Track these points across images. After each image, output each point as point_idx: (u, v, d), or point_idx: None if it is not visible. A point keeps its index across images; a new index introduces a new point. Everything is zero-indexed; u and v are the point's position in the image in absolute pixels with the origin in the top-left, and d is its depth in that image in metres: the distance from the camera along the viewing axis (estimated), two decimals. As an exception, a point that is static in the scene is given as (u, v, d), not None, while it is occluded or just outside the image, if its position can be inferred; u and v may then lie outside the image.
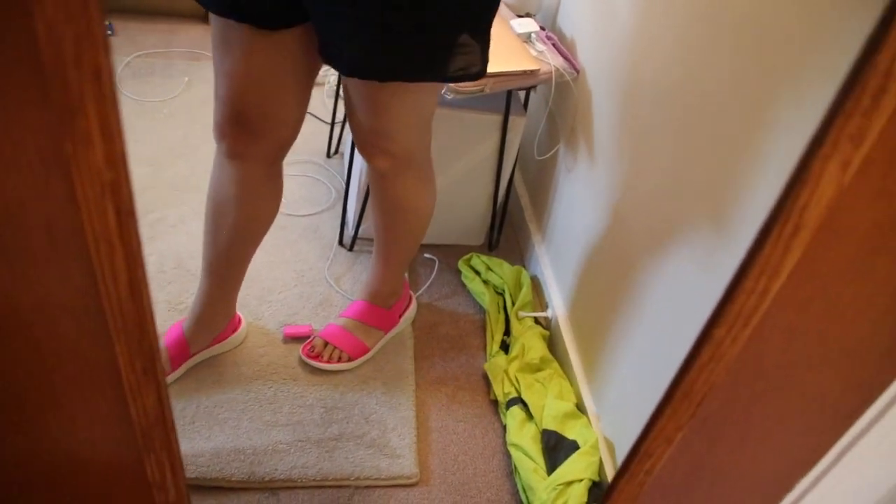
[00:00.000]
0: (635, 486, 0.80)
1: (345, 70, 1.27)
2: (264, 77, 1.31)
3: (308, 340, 1.81)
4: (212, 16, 1.28)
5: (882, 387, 0.77)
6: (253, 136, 1.40)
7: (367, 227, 2.08)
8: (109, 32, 2.81)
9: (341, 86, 1.45)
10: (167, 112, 2.51)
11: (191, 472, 1.52)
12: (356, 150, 1.98)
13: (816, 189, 0.52)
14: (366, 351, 1.81)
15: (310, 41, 1.30)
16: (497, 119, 1.90)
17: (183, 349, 1.69)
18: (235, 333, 1.79)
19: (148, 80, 2.63)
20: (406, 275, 1.86)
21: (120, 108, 0.47)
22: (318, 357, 1.77)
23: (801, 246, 0.56)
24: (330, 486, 1.57)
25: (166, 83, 2.64)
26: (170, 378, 1.68)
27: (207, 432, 1.60)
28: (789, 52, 1.04)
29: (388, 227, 1.68)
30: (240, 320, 1.81)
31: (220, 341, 1.76)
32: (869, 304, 0.65)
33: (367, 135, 1.42)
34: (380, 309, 1.83)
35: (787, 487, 0.91)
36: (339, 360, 1.78)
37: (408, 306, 1.92)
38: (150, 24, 2.94)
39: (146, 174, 2.24)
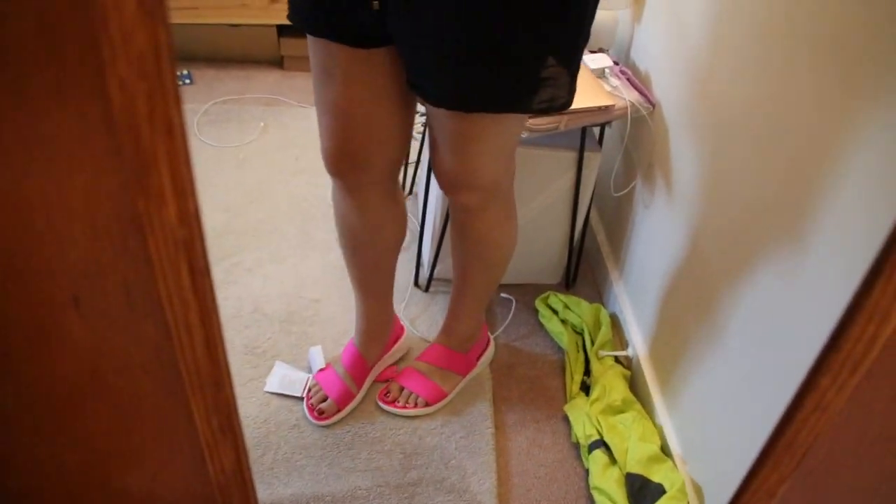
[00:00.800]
0: (733, 544, 0.76)
1: (431, 100, 1.27)
2: (366, 101, 1.32)
3: (385, 385, 1.80)
4: (310, 44, 1.31)
5: None
6: (363, 166, 1.42)
7: (443, 268, 2.07)
8: (188, 81, 2.90)
9: (426, 123, 1.44)
10: (243, 157, 2.55)
11: (271, 519, 1.52)
12: (432, 188, 1.98)
13: (930, 228, 0.48)
14: (443, 396, 1.79)
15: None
16: (572, 156, 1.87)
17: (362, 366, 1.77)
18: (401, 341, 1.87)
19: (225, 127, 2.69)
20: (484, 317, 1.84)
21: (192, 165, 0.46)
22: (394, 403, 1.76)
23: (915, 288, 0.52)
24: (410, 533, 1.55)
25: (242, 128, 2.70)
26: (359, 397, 1.77)
27: (286, 478, 1.60)
28: (866, 69, 1.00)
29: (470, 263, 1.66)
30: (402, 328, 1.89)
31: (389, 349, 1.84)
32: None
33: (452, 169, 1.40)
34: (457, 353, 1.81)
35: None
36: (416, 405, 1.77)
37: (485, 349, 1.90)
38: (226, 71, 3.02)
39: (223, 220, 2.28)
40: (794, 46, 1.21)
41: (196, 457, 0.65)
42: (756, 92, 1.33)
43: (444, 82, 1.23)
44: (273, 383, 1.80)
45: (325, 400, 1.73)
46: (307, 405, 1.75)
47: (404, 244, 2.22)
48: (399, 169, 1.50)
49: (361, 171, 1.43)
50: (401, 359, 1.89)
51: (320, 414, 1.72)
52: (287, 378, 1.82)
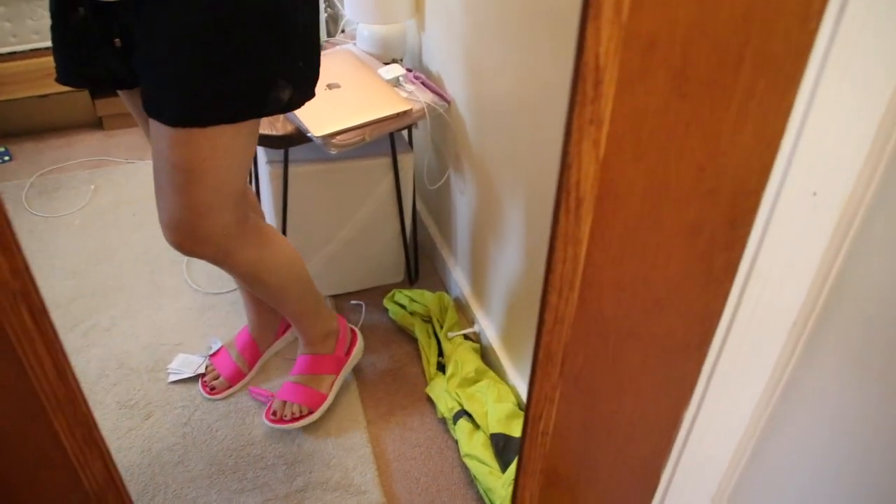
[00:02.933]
0: (538, 448, 0.93)
1: (167, 120, 1.23)
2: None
3: (267, 407, 1.89)
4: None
5: (716, 313, 0.91)
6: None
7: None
8: (7, 158, 2.88)
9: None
10: (79, 223, 2.58)
11: (170, 553, 1.60)
12: (262, 175, 2.09)
13: (580, 167, 0.65)
14: (323, 398, 1.88)
15: None
16: (386, 161, 2.03)
17: (253, 350, 1.98)
18: (290, 331, 2.06)
19: (55, 196, 2.71)
20: (328, 314, 1.92)
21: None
22: (281, 420, 1.85)
23: (589, 214, 0.69)
24: (306, 535, 1.66)
25: (73, 195, 2.71)
26: (249, 376, 2.00)
27: (179, 512, 1.68)
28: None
29: (265, 296, 1.70)
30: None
31: (280, 335, 2.05)
32: (673, 248, 0.79)
33: (179, 222, 1.36)
34: (322, 356, 1.90)
35: (676, 421, 1.04)
36: (301, 414, 1.85)
37: (353, 340, 1.98)
38: (45, 142, 3.01)
39: (71, 286, 2.32)
40: (534, 30, 1.41)
41: (69, 472, 0.75)
42: (515, 81, 1.53)
43: (152, 87, 1.23)
44: (174, 367, 2.02)
45: (217, 378, 1.92)
46: (201, 382, 1.95)
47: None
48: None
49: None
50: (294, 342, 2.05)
51: (212, 390, 1.92)
52: (186, 360, 2.02)
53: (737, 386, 0.99)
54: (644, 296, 0.83)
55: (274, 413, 1.86)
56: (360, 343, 2.02)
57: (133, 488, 1.74)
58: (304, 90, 1.36)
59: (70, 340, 2.13)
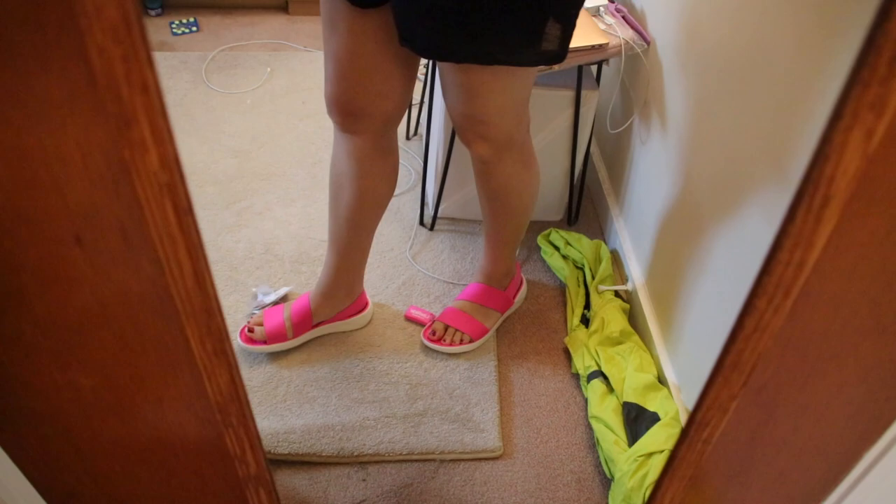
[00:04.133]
0: (695, 454, 0.82)
1: (420, 51, 1.30)
2: (365, 56, 1.37)
3: (428, 325, 1.86)
4: None
5: (944, 352, 0.76)
6: (359, 115, 1.46)
7: (447, 207, 2.12)
8: (195, 29, 2.93)
9: (436, 70, 1.48)
10: (251, 103, 2.60)
11: (283, 447, 1.61)
12: (434, 129, 2.02)
13: (841, 160, 0.52)
14: (485, 332, 1.85)
15: None
16: (569, 95, 1.90)
17: (306, 318, 1.79)
18: (361, 314, 1.87)
19: (232, 73, 2.73)
20: (516, 256, 1.88)
21: (168, 117, 0.52)
22: (440, 340, 1.82)
23: (834, 216, 0.56)
24: (416, 461, 1.63)
25: (249, 75, 2.74)
26: (290, 344, 1.80)
27: (298, 409, 1.68)
28: (844, 9, 1.02)
29: (495, 211, 1.70)
30: (367, 302, 1.89)
31: (344, 318, 1.84)
32: (917, 270, 0.65)
33: (463, 120, 1.45)
34: (495, 290, 1.87)
35: (853, 458, 0.90)
36: (462, 342, 1.82)
37: (520, 287, 1.96)
38: (231, 18, 3.05)
39: (233, 165, 2.34)
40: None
41: (195, 380, 0.71)
42: (740, 29, 1.35)
43: (431, 33, 1.25)
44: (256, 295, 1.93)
45: (259, 325, 1.78)
46: (246, 325, 1.80)
47: (409, 185, 2.29)
48: (396, 124, 1.55)
49: (357, 119, 1.48)
50: (353, 332, 1.88)
51: (249, 332, 1.78)
52: (265, 292, 1.93)
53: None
54: (865, 317, 0.69)
55: (434, 333, 1.83)
56: (524, 290, 1.97)
57: (258, 374, 1.75)
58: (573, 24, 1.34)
59: (223, 217, 2.16)
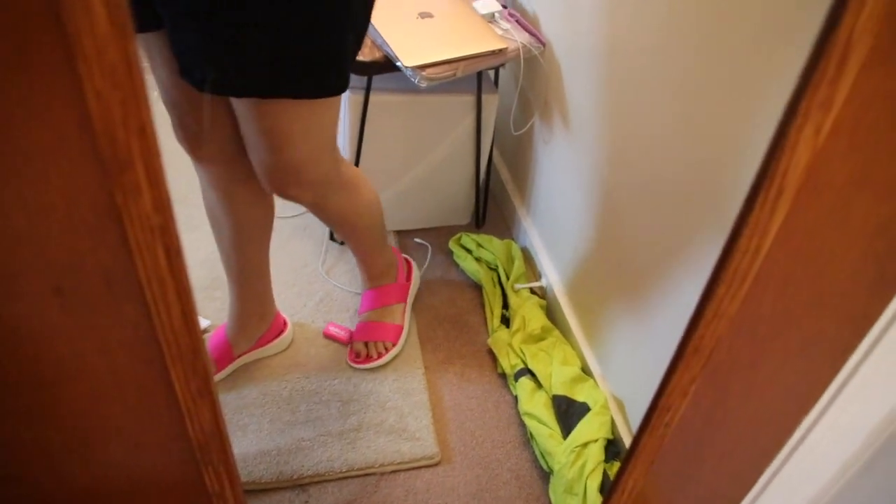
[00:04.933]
0: (657, 440, 0.86)
1: (199, 86, 1.17)
2: (166, 79, 1.26)
3: (349, 348, 1.86)
4: None
5: (871, 319, 0.83)
6: (193, 140, 1.37)
7: (357, 221, 2.13)
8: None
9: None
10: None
11: (221, 478, 1.58)
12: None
13: (794, 155, 0.57)
14: (399, 328, 1.87)
15: None
16: (470, 100, 1.94)
17: (226, 352, 1.75)
18: (280, 338, 1.84)
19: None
20: (389, 246, 1.89)
21: (161, 159, 0.51)
22: (368, 359, 1.83)
23: (786, 206, 0.61)
24: (356, 476, 1.63)
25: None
26: (218, 377, 1.74)
27: (232, 438, 1.65)
28: (774, 15, 1.09)
29: (346, 235, 1.68)
30: (285, 323, 1.86)
31: (263, 344, 1.81)
32: (851, 246, 0.71)
33: (275, 173, 1.32)
34: (387, 286, 1.88)
35: (793, 426, 0.97)
36: (385, 350, 1.84)
37: (408, 267, 1.98)
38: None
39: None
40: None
41: (176, 420, 0.70)
42: (621, 18, 1.42)
43: (213, 66, 1.14)
44: None
45: None
46: None
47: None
48: (242, 151, 1.39)
49: (199, 147, 1.39)
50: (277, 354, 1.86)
51: None
52: None
53: (869, 398, 0.92)
54: (806, 295, 0.75)
55: (358, 355, 1.83)
56: (415, 269, 2.00)
57: (186, 409, 1.71)
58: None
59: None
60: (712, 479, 1.02)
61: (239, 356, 1.78)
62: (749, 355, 0.80)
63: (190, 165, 2.35)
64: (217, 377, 1.75)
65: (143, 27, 1.18)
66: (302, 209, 2.26)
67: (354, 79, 1.88)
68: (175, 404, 0.68)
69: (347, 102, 1.89)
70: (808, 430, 0.98)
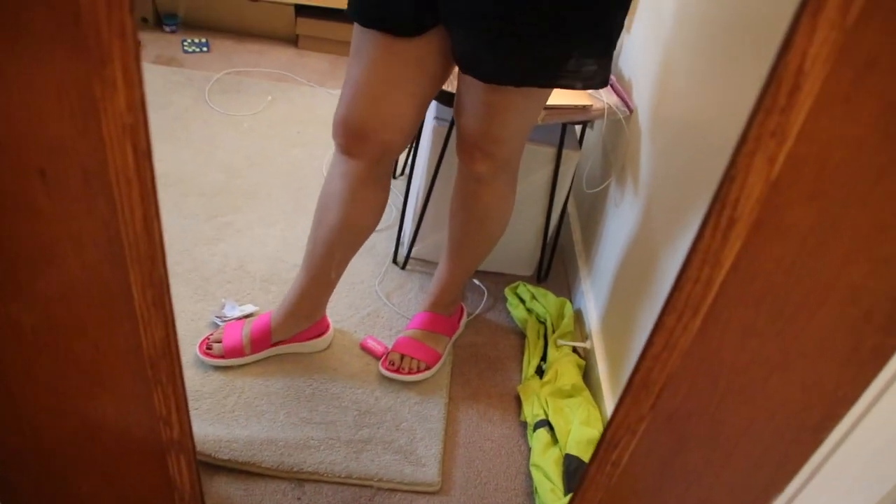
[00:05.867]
0: (604, 477, 0.85)
1: (483, 77, 1.38)
2: (384, 81, 1.44)
3: (384, 356, 1.89)
4: (355, 26, 1.43)
5: (846, 403, 0.80)
6: (362, 137, 1.51)
7: (421, 248, 2.17)
8: (206, 49, 3.01)
9: (457, 88, 1.56)
10: (248, 126, 2.66)
11: (224, 454, 1.61)
12: (417, 171, 2.07)
13: (746, 183, 0.57)
14: (439, 357, 1.90)
15: (440, 49, 1.42)
16: (551, 151, 1.97)
17: (265, 336, 1.82)
18: (321, 338, 1.89)
19: (234, 96, 2.81)
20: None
21: (141, 62, 0.56)
22: (398, 370, 1.85)
23: (739, 238, 0.61)
24: (354, 485, 1.63)
25: (251, 100, 2.81)
26: (246, 360, 1.82)
27: (245, 421, 1.70)
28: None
29: (470, 233, 1.77)
30: (328, 326, 1.91)
31: (303, 339, 1.86)
32: (819, 308, 0.69)
33: (476, 138, 1.53)
34: (442, 316, 1.93)
35: (764, 502, 0.94)
36: (419, 370, 1.86)
37: (462, 313, 2.03)
38: (242, 44, 3.14)
39: (221, 180, 2.39)
40: (743, 62, 1.31)
41: (133, 332, 0.75)
42: (708, 105, 1.43)
43: (497, 59, 1.35)
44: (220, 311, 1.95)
45: (218, 342, 1.81)
46: (205, 338, 1.83)
47: (389, 222, 2.33)
48: (395, 155, 1.59)
49: (360, 143, 1.52)
50: (311, 353, 1.91)
51: (207, 349, 1.81)
52: (231, 306, 1.95)
53: (847, 492, 0.87)
54: (771, 351, 0.73)
55: (391, 363, 1.86)
56: (465, 316, 2.04)
57: (211, 381, 1.77)
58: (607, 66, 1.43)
59: (203, 229, 2.19)
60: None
61: (275, 344, 1.83)
62: (709, 406, 0.79)
63: (277, 163, 2.47)
64: (250, 358, 1.82)
65: (402, 32, 1.37)
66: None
67: (443, 109, 1.95)
68: (132, 311, 0.73)
69: (432, 131, 1.95)
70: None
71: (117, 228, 0.66)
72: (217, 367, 1.80)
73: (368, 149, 1.53)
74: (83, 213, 0.66)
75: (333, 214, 1.63)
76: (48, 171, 0.63)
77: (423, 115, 1.55)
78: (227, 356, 1.80)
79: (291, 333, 1.84)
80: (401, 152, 1.59)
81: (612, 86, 1.93)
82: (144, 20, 3.10)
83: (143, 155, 0.60)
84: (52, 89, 0.59)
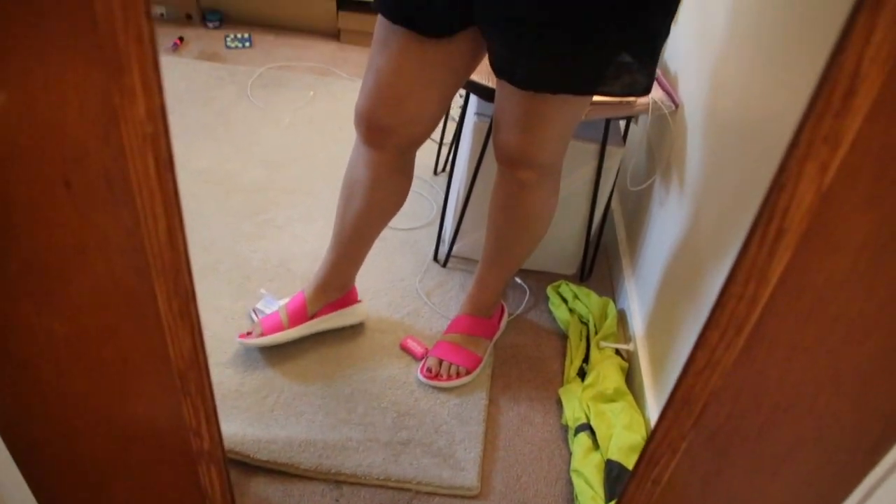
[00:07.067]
0: (644, 495, 0.81)
1: (519, 83, 1.35)
2: (410, 79, 1.42)
3: (422, 362, 1.87)
4: (380, 17, 1.41)
5: (904, 421, 0.76)
6: (385, 131, 1.51)
7: (461, 246, 2.14)
8: (248, 44, 3.02)
9: (495, 103, 1.53)
10: (289, 121, 2.66)
11: (263, 455, 1.61)
12: (458, 169, 2.04)
13: (796, 191, 0.53)
14: (479, 361, 1.87)
15: (467, 49, 1.40)
16: (594, 148, 1.92)
17: (301, 311, 1.83)
18: (350, 307, 1.90)
19: (276, 91, 2.80)
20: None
21: (160, 69, 0.55)
22: (436, 377, 1.83)
23: (788, 251, 0.57)
24: (392, 488, 1.62)
25: (293, 95, 2.80)
26: (287, 335, 1.82)
27: (284, 421, 1.69)
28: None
29: (515, 236, 1.74)
30: (356, 298, 1.92)
31: (335, 309, 1.87)
32: (876, 325, 0.65)
33: (517, 147, 1.49)
34: (482, 319, 1.90)
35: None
36: (458, 375, 1.84)
37: (503, 313, 1.99)
38: (283, 38, 3.14)
39: (262, 176, 2.39)
40: (797, 55, 1.25)
41: (160, 342, 0.73)
42: (763, 102, 1.37)
43: (536, 66, 1.31)
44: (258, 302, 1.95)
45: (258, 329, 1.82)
46: (242, 334, 1.83)
47: (429, 219, 2.31)
48: (417, 147, 1.59)
49: (383, 137, 1.52)
50: (352, 327, 1.93)
51: (247, 334, 1.82)
52: (266, 301, 1.95)
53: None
54: (820, 369, 0.69)
55: (430, 370, 1.84)
56: (506, 316, 2.00)
57: (251, 380, 1.76)
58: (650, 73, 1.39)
59: (244, 227, 2.20)
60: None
61: (313, 317, 1.84)
62: (754, 426, 0.75)
63: (318, 160, 2.46)
64: (290, 332, 1.82)
65: (433, 32, 1.35)
66: (416, 224, 2.30)
67: (484, 105, 1.91)
68: (160, 323, 0.71)
69: (473, 127, 1.92)
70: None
71: (141, 239, 0.65)
72: (257, 365, 1.80)
73: (391, 142, 1.54)
74: (109, 223, 0.65)
75: (359, 201, 1.66)
76: (73, 181, 0.62)
77: (447, 107, 1.54)
78: (267, 333, 1.81)
79: (322, 304, 1.85)
80: (422, 143, 1.58)
81: (657, 80, 1.88)
82: (189, 16, 3.12)
83: (165, 165, 0.59)
84: (73, 98, 0.58)
